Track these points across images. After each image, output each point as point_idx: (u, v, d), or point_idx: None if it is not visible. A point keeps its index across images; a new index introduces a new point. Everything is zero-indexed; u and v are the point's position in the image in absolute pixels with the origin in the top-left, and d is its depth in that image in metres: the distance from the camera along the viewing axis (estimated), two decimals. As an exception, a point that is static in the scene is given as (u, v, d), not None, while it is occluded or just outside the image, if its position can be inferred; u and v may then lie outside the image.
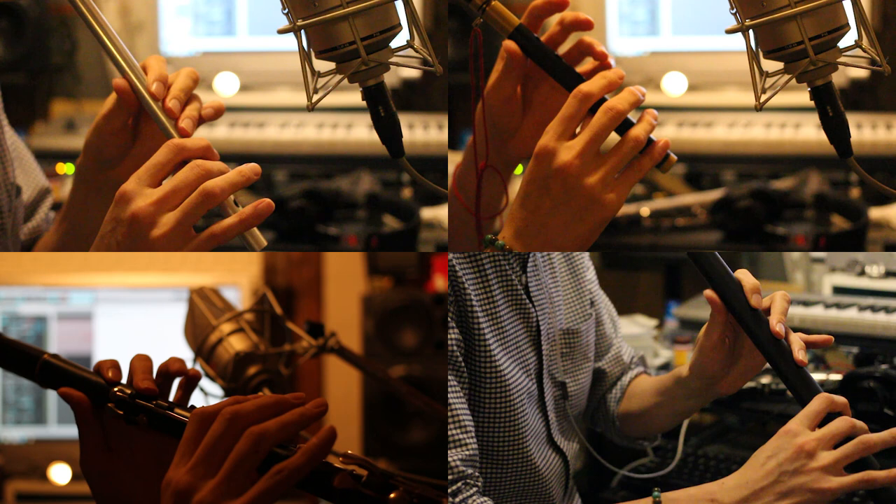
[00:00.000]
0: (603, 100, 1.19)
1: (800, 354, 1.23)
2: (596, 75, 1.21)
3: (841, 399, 1.18)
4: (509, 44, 1.25)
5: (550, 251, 1.20)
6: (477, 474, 1.36)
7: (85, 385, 1.07)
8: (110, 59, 1.22)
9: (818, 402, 1.17)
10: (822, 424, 1.16)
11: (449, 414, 1.35)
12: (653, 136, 1.20)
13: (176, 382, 1.10)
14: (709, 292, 1.29)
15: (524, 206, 1.20)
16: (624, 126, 1.19)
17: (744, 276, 1.29)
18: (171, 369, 1.09)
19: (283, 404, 0.97)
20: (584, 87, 1.19)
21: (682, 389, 1.47)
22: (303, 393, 0.99)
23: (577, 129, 1.19)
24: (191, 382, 1.09)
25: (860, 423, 1.15)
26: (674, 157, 1.21)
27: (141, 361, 1.09)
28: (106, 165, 1.31)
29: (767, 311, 1.27)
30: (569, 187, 1.17)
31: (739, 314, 1.27)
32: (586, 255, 1.63)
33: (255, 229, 1.17)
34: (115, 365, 1.09)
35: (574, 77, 1.23)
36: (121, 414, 1.05)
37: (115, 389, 1.06)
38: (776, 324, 1.24)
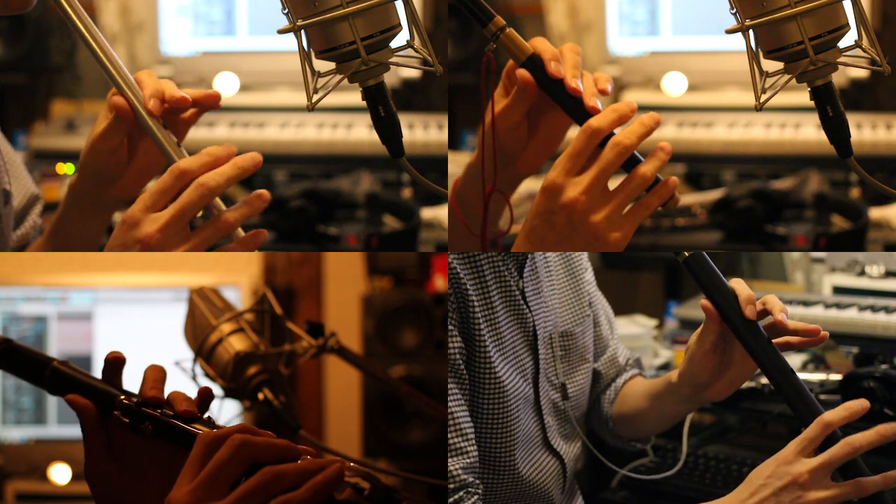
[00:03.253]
0: (612, 134, 1.18)
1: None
2: (606, 109, 1.19)
3: (838, 416, 1.16)
4: (523, 72, 1.24)
5: None
6: (478, 482, 1.36)
7: (92, 392, 1.07)
8: (109, 79, 1.22)
9: (816, 429, 1.16)
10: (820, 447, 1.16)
11: (450, 421, 1.35)
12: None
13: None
14: (704, 301, 1.29)
15: (528, 240, 1.20)
16: (631, 163, 1.18)
17: (738, 285, 1.29)
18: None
19: (293, 451, 0.96)
20: (594, 122, 1.17)
21: (672, 395, 1.47)
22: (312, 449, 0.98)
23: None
24: (204, 399, 1.08)
25: (858, 444, 1.14)
26: (678, 196, 1.20)
27: (153, 371, 1.08)
28: (105, 184, 1.30)
29: (762, 315, 1.27)
30: (574, 223, 1.16)
31: (734, 324, 1.27)
32: (584, 255, 1.63)
33: (240, 230, 1.18)
34: (115, 353, 1.09)
35: (581, 108, 1.21)
36: (126, 422, 1.04)
37: (122, 397, 1.05)
38: (779, 312, 1.26)
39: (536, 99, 1.27)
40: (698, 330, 1.35)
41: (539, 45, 1.25)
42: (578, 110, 1.21)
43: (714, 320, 1.30)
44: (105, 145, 1.27)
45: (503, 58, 1.28)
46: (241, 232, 1.18)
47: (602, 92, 1.23)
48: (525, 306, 1.45)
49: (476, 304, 1.39)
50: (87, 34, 1.21)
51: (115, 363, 1.09)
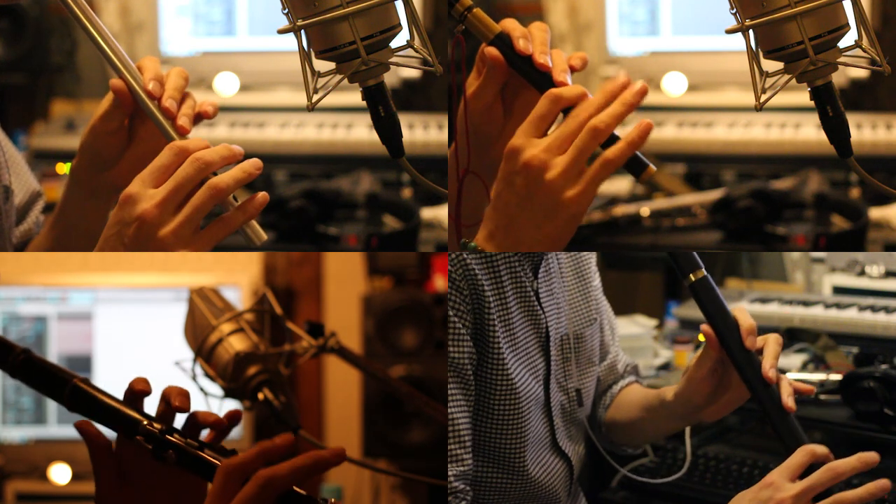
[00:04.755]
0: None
1: (789, 401, 1.23)
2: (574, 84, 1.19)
3: (822, 450, 1.18)
4: (491, 50, 1.24)
5: (522, 251, 1.18)
6: (468, 489, 1.37)
7: (114, 416, 1.05)
8: (106, 61, 1.22)
9: (800, 456, 1.18)
10: (804, 474, 1.17)
11: (450, 427, 1.35)
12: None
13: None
14: (705, 327, 1.30)
15: (494, 207, 1.19)
16: (608, 142, 1.16)
17: (740, 314, 1.29)
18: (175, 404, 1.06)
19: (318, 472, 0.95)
20: (557, 89, 1.18)
21: (665, 412, 1.47)
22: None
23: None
24: (232, 422, 1.07)
25: (841, 470, 1.16)
26: (653, 167, 1.17)
27: (178, 392, 1.06)
28: (102, 167, 1.31)
29: (760, 351, 1.28)
30: (531, 182, 1.15)
31: (733, 353, 1.28)
32: (593, 259, 1.63)
33: (255, 223, 1.18)
34: (144, 382, 1.07)
35: (550, 82, 1.22)
36: (149, 448, 1.03)
37: (145, 423, 1.03)
38: (769, 369, 1.25)
39: (508, 78, 1.26)
40: (697, 353, 1.37)
41: (508, 24, 1.25)
42: (548, 86, 1.21)
43: (713, 346, 1.31)
44: (105, 127, 1.28)
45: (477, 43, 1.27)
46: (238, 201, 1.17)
47: (573, 68, 1.23)
48: (539, 307, 1.45)
49: (492, 303, 1.38)
50: (83, 17, 1.21)
51: (140, 394, 1.07)
